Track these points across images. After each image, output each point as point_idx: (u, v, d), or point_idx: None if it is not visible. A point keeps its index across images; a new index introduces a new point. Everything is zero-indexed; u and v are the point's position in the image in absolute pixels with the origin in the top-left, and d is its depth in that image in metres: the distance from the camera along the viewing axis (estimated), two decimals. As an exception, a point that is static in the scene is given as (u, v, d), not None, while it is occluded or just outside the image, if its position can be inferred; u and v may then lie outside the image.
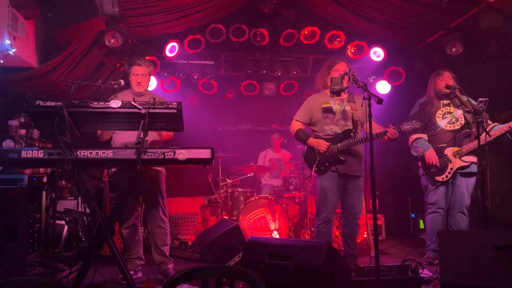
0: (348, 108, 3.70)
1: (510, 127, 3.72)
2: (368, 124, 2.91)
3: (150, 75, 3.75)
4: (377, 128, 3.59)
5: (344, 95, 3.75)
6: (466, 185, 3.98)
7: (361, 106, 3.69)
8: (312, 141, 3.69)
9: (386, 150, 6.25)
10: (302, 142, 3.81)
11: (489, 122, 3.96)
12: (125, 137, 3.50)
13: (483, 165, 3.46)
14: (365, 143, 3.45)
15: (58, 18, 3.60)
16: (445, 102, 4.10)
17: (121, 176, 3.68)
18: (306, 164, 3.79)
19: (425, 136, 4.12)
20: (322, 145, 3.59)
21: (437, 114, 4.09)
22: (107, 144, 3.68)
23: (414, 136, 4.13)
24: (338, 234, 5.07)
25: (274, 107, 7.19)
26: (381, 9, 4.88)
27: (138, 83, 3.62)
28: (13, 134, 3.96)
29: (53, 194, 4.66)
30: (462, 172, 3.96)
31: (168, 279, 1.57)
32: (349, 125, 3.66)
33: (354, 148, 3.62)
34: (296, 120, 3.85)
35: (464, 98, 3.83)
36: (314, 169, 3.66)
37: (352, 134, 3.61)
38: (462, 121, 4.01)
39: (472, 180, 3.98)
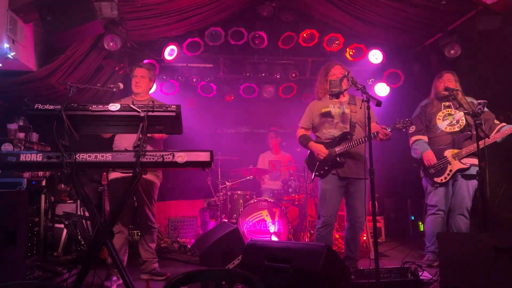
0: (347, 110, 3.70)
1: None
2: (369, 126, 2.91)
3: (150, 79, 3.81)
4: (376, 129, 3.58)
5: (344, 98, 3.75)
6: (467, 188, 3.96)
7: (360, 108, 3.71)
8: (312, 145, 3.73)
9: (385, 152, 6.25)
10: (304, 147, 3.85)
11: (496, 122, 3.95)
12: (131, 140, 3.47)
13: (482, 167, 3.46)
14: (366, 145, 3.43)
15: (57, 21, 3.60)
16: (446, 104, 4.10)
17: (117, 185, 3.62)
18: (308, 168, 3.83)
19: (424, 138, 4.12)
20: (321, 152, 3.62)
21: (438, 116, 4.09)
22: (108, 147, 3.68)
23: (414, 138, 4.14)
24: (337, 236, 5.06)
25: (273, 109, 7.20)
26: (380, 11, 4.89)
27: (136, 83, 3.73)
28: (12, 137, 3.96)
29: (52, 198, 4.64)
30: (464, 174, 3.95)
31: (168, 282, 1.57)
32: (348, 127, 3.66)
33: (355, 151, 3.60)
34: (300, 127, 3.92)
35: (463, 100, 3.83)
36: (315, 173, 3.70)
37: (349, 136, 3.61)
38: (463, 123, 4.00)
39: (474, 182, 3.93)
